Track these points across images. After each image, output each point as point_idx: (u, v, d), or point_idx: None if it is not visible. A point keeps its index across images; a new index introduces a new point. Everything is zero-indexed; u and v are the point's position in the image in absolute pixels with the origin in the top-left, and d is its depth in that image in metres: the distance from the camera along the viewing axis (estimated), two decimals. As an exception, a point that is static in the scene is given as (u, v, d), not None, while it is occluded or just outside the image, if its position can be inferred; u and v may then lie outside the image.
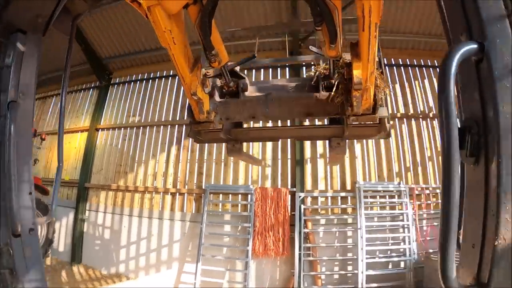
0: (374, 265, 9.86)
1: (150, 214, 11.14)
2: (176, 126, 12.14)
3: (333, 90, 3.68)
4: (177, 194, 11.28)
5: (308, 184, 10.79)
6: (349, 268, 9.98)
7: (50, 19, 1.85)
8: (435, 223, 10.23)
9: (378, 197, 10.49)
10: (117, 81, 13.78)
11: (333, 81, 3.69)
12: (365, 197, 10.30)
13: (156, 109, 12.67)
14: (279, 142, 11.21)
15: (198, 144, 11.72)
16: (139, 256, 10.98)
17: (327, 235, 10.25)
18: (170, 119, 12.26)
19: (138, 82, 13.24)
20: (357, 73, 3.12)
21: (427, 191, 10.59)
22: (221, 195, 10.93)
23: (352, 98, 3.43)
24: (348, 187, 10.66)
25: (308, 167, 10.94)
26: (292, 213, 10.29)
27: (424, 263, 9.38)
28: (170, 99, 12.53)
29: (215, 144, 11.61)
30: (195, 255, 10.26)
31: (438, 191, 10.65)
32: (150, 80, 13.14)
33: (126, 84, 13.57)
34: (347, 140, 4.38)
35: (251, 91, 4.05)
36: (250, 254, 9.95)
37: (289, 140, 11.10)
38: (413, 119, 11.25)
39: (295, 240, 9.93)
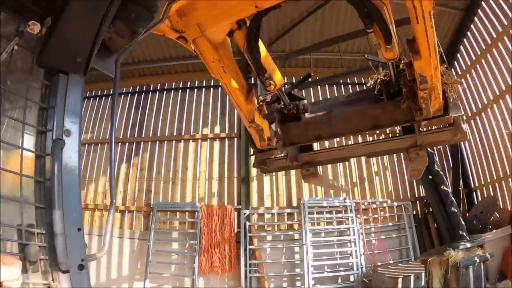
0: (322, 280, 9.93)
1: (100, 231, 11.04)
2: (127, 143, 12.14)
3: (398, 95, 3.42)
4: (126, 211, 11.24)
5: (254, 202, 10.88)
6: (298, 283, 10.02)
7: (90, 58, 1.87)
8: (383, 237, 10.36)
9: (324, 212, 10.60)
10: (71, 97, 13.62)
11: (396, 86, 3.47)
12: (311, 213, 10.42)
13: (107, 126, 12.58)
14: (225, 159, 11.29)
15: (147, 162, 11.79)
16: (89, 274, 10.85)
17: (273, 251, 10.32)
18: (120, 136, 12.22)
19: (91, 98, 13.13)
20: (419, 70, 2.89)
21: (374, 206, 10.70)
22: (168, 212, 10.94)
23: (419, 101, 3.20)
24: (294, 203, 10.77)
25: (254, 185, 11.04)
26: (238, 230, 10.34)
27: (372, 276, 9.42)
28: (122, 117, 12.46)
29: (163, 162, 11.64)
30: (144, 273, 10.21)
31: (385, 205, 10.81)
32: (104, 97, 13.07)
33: (81, 100, 13.42)
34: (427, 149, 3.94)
35: (312, 111, 3.90)
36: (197, 271, 9.94)
37: (235, 157, 11.17)
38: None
39: (241, 257, 9.98)
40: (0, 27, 1.76)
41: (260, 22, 2.81)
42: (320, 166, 10.92)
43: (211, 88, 12.22)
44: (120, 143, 12.16)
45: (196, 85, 12.44)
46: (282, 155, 4.24)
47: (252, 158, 10.34)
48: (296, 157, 4.30)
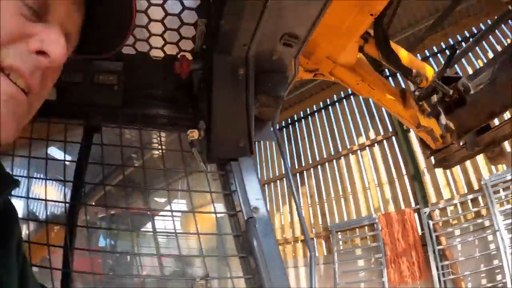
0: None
1: (285, 264, 11.42)
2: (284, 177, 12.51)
3: None
4: (306, 239, 11.46)
5: (432, 197, 9.97)
6: (498, 277, 8.62)
7: (250, 138, 1.94)
8: None
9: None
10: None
11: None
12: (496, 191, 8.93)
13: (268, 166, 13.43)
14: (390, 161, 10.86)
15: (314, 188, 12.02)
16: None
17: (465, 246, 9.18)
18: (282, 172, 12.63)
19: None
20: None
21: None
22: (347, 231, 10.79)
23: None
24: (475, 186, 9.46)
25: (427, 179, 10.16)
26: (422, 232, 9.60)
27: None
28: (279, 155, 12.95)
29: (330, 183, 11.67)
30: (333, 297, 10.18)
31: None
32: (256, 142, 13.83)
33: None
34: None
35: (474, 87, 3.45)
36: (387, 285, 9.49)
37: (399, 156, 10.58)
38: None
39: (430, 260, 9.22)
40: (164, 143, 2.05)
41: (383, 26, 2.73)
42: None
43: (351, 97, 11.94)
44: (283, 179, 12.63)
45: (335, 99, 12.41)
46: (461, 145, 3.72)
47: (417, 150, 9.81)
48: (476, 141, 3.64)
